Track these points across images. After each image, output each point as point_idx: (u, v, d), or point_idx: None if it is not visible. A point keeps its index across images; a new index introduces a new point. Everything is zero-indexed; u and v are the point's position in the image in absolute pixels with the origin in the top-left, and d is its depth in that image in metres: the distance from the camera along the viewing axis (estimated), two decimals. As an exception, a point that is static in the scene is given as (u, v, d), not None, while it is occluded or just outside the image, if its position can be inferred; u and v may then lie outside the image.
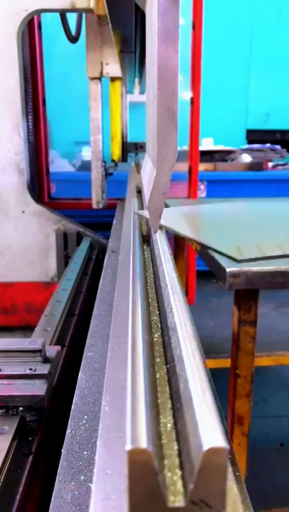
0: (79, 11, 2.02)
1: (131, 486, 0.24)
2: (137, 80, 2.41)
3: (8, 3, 1.95)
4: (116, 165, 2.54)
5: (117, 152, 2.51)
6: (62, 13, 2.14)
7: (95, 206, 2.36)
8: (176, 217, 0.84)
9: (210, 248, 0.57)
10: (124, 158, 2.60)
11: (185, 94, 2.49)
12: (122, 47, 1.07)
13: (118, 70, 2.11)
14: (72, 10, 1.97)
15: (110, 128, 2.45)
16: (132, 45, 1.03)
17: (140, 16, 0.74)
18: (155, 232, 0.47)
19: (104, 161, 2.37)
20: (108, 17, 0.73)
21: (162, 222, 0.63)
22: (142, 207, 1.33)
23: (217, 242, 0.67)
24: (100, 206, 2.36)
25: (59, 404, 0.68)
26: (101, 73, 2.17)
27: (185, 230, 0.71)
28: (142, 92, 2.84)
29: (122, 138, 2.55)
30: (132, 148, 2.81)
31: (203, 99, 2.47)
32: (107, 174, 2.45)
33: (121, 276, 0.71)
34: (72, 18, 2.28)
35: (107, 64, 2.15)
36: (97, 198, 2.35)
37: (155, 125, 0.40)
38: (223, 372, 1.21)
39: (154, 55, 0.38)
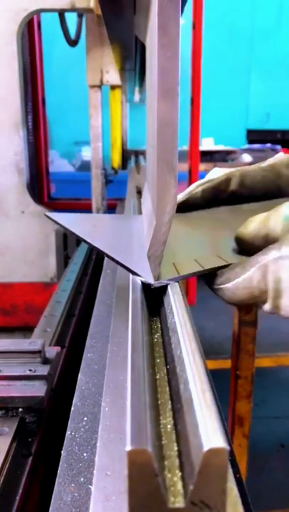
0: (79, 11, 2.02)
1: (131, 487, 0.24)
2: (137, 88, 2.41)
3: (8, 3, 1.95)
4: (116, 172, 2.55)
5: (117, 160, 2.52)
6: (62, 16, 2.14)
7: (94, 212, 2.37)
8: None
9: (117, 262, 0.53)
10: (124, 165, 2.61)
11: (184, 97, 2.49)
12: (123, 65, 1.08)
13: (118, 78, 2.11)
14: (72, 10, 1.97)
15: (110, 136, 2.46)
16: (132, 64, 1.04)
17: (140, 43, 0.74)
18: (155, 279, 0.48)
19: (104, 169, 2.38)
20: (108, 39, 0.73)
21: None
22: (141, 207, 1.33)
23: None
24: (100, 213, 2.37)
25: (59, 405, 0.68)
26: (101, 81, 2.17)
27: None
28: (142, 101, 2.85)
29: (122, 145, 2.56)
30: (131, 156, 2.82)
31: (203, 99, 2.47)
32: (107, 182, 2.45)
33: (121, 276, 0.70)
34: (71, 22, 2.28)
35: (107, 72, 2.15)
36: (97, 205, 2.36)
37: (155, 176, 0.41)
38: (223, 373, 1.21)
39: (154, 110, 0.39)
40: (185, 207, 0.69)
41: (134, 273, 0.48)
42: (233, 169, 0.70)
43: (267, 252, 0.42)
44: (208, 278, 0.50)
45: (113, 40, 0.74)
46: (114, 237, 0.63)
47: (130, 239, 0.60)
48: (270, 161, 0.69)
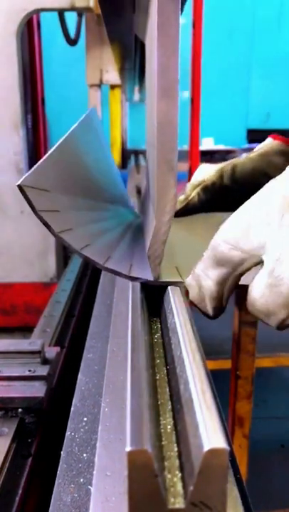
0: (78, 10, 2.02)
1: (131, 488, 0.24)
2: (136, 87, 2.41)
3: (7, 2, 1.94)
4: (116, 172, 2.54)
5: (116, 159, 2.52)
6: (61, 16, 2.14)
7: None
8: None
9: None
10: (123, 165, 2.60)
11: (184, 93, 2.48)
12: (122, 65, 1.08)
13: (118, 77, 2.11)
14: (72, 9, 1.97)
15: (110, 135, 2.45)
16: (131, 63, 1.04)
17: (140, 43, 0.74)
18: (155, 279, 0.48)
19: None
20: (108, 38, 0.73)
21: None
22: (141, 207, 1.33)
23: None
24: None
25: (58, 405, 0.68)
26: (101, 80, 2.17)
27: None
28: (141, 100, 2.84)
29: (122, 145, 2.56)
30: (131, 155, 2.82)
31: (203, 99, 2.47)
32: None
33: (121, 277, 0.70)
34: (71, 21, 2.28)
35: (106, 71, 2.15)
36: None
37: (155, 176, 0.42)
38: (223, 373, 1.21)
39: (154, 109, 0.39)
40: (185, 212, 0.68)
41: (133, 278, 0.48)
42: (223, 164, 0.69)
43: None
44: None
45: (113, 39, 0.74)
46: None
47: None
48: (259, 148, 0.68)
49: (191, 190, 0.68)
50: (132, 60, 0.99)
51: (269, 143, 0.68)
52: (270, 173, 0.66)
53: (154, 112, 0.39)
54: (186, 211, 0.68)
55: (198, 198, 0.67)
